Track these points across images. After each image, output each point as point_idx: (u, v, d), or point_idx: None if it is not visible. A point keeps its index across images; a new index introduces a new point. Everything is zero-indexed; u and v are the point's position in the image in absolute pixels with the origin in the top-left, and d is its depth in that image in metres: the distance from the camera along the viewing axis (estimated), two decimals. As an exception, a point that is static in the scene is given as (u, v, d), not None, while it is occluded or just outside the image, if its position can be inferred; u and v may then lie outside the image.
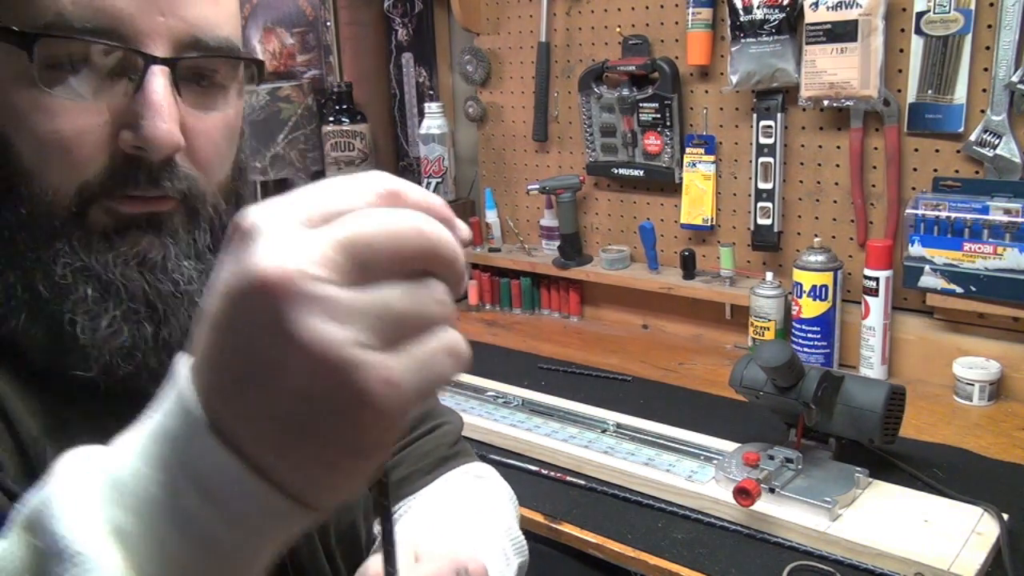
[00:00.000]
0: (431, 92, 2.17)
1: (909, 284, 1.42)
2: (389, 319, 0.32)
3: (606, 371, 1.58)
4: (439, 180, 2.03)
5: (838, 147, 1.53)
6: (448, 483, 0.82)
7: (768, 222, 1.61)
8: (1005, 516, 1.01)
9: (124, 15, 0.53)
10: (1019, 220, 1.29)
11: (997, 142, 1.34)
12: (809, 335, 1.50)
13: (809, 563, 0.98)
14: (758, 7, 1.49)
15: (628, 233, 1.84)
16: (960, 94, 1.36)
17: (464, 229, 0.36)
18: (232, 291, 0.32)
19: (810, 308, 1.49)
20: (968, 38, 1.33)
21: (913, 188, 1.45)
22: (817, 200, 1.57)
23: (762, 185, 1.60)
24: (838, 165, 1.53)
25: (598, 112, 1.78)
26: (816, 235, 1.55)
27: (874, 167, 1.49)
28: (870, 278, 1.45)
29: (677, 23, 1.66)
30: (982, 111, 1.35)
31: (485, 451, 1.26)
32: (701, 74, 1.66)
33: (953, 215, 1.35)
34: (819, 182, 1.56)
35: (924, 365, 1.47)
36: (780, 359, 1.07)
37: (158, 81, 0.54)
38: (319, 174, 2.27)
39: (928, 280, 1.40)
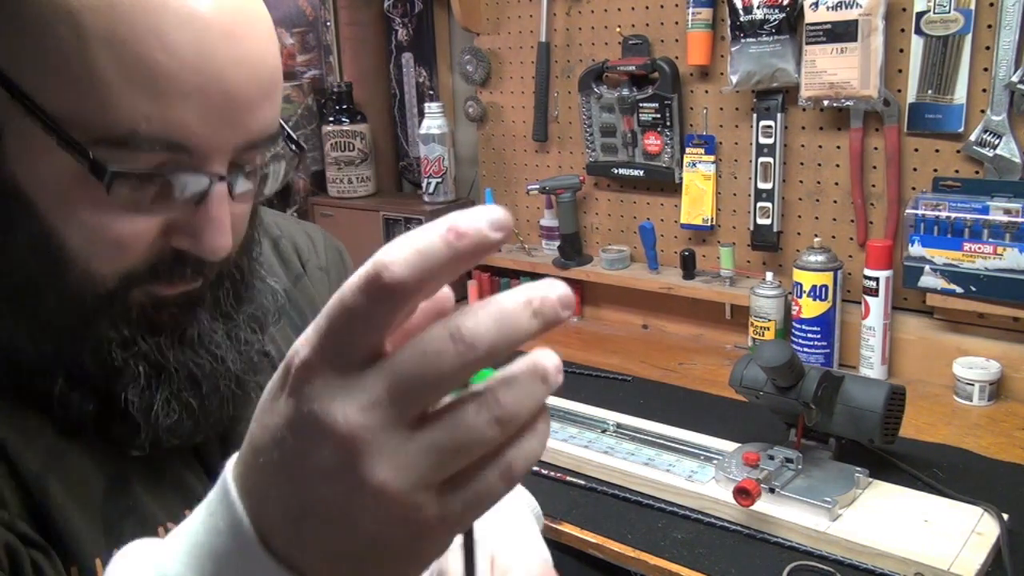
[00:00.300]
0: (431, 92, 2.17)
1: (909, 284, 1.42)
2: (449, 460, 0.32)
3: (606, 371, 1.58)
4: (439, 180, 2.03)
5: (838, 147, 1.53)
6: None
7: (768, 222, 1.61)
8: (1005, 516, 1.01)
9: (196, 134, 0.52)
10: (1019, 220, 1.29)
11: (997, 142, 1.34)
12: (809, 335, 1.50)
13: (809, 563, 0.98)
14: (758, 7, 1.49)
15: (628, 233, 1.84)
16: (960, 94, 1.36)
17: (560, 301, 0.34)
18: (302, 438, 0.33)
19: (810, 308, 1.49)
20: (968, 38, 1.33)
21: (913, 188, 1.45)
22: (817, 200, 1.57)
23: (762, 185, 1.60)
24: (838, 165, 1.53)
25: (598, 112, 1.78)
26: (816, 235, 1.55)
27: (874, 167, 1.49)
28: (870, 278, 1.45)
29: (677, 23, 1.66)
30: (982, 111, 1.35)
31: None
32: (701, 74, 1.66)
33: (953, 215, 1.35)
34: (819, 182, 1.56)
35: (924, 365, 1.47)
36: (780, 359, 1.07)
37: (219, 198, 0.55)
38: (319, 174, 2.28)
39: (928, 280, 1.40)
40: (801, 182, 1.58)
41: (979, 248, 1.34)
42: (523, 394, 0.33)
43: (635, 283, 1.77)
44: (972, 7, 1.32)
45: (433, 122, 2.01)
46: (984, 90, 1.34)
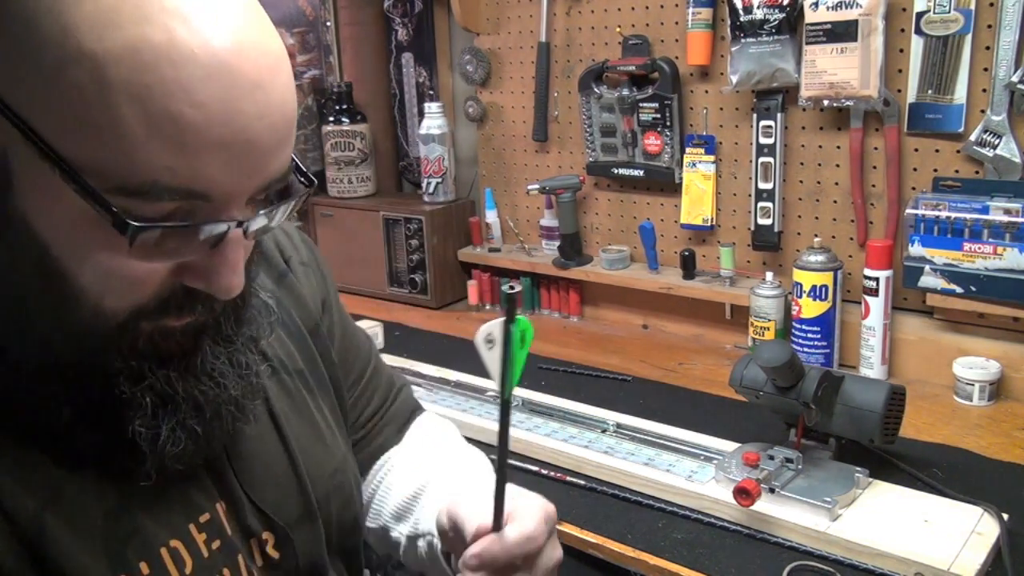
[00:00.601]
0: (431, 92, 2.17)
1: (909, 284, 1.42)
2: None
3: (606, 371, 1.58)
4: (439, 180, 2.03)
5: (838, 147, 1.53)
6: (437, 428, 0.99)
7: (768, 222, 1.61)
8: (1005, 516, 1.01)
9: (217, 183, 0.52)
10: (1019, 220, 1.29)
11: (997, 142, 1.34)
12: (809, 335, 1.50)
13: (809, 563, 0.98)
14: (758, 7, 1.49)
15: (628, 233, 1.84)
16: (960, 94, 1.36)
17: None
18: None
19: (810, 308, 1.49)
20: (968, 38, 1.33)
21: (913, 188, 1.45)
22: (817, 200, 1.57)
23: (762, 185, 1.60)
24: (838, 165, 1.53)
25: (598, 112, 1.78)
26: (816, 235, 1.55)
27: (874, 167, 1.49)
28: (870, 278, 1.45)
29: (677, 23, 1.66)
30: (982, 111, 1.35)
31: (485, 451, 1.26)
32: (701, 74, 1.66)
33: (953, 215, 1.35)
34: (819, 182, 1.56)
35: (924, 365, 1.47)
36: (780, 359, 1.07)
37: (236, 242, 0.55)
38: (319, 174, 2.28)
39: (928, 280, 1.40)
40: (801, 182, 1.58)
41: (979, 248, 1.34)
42: None
43: (635, 283, 1.77)
44: (972, 7, 1.32)
45: (433, 122, 2.01)
46: (984, 90, 1.34)
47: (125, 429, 0.57)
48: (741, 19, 1.51)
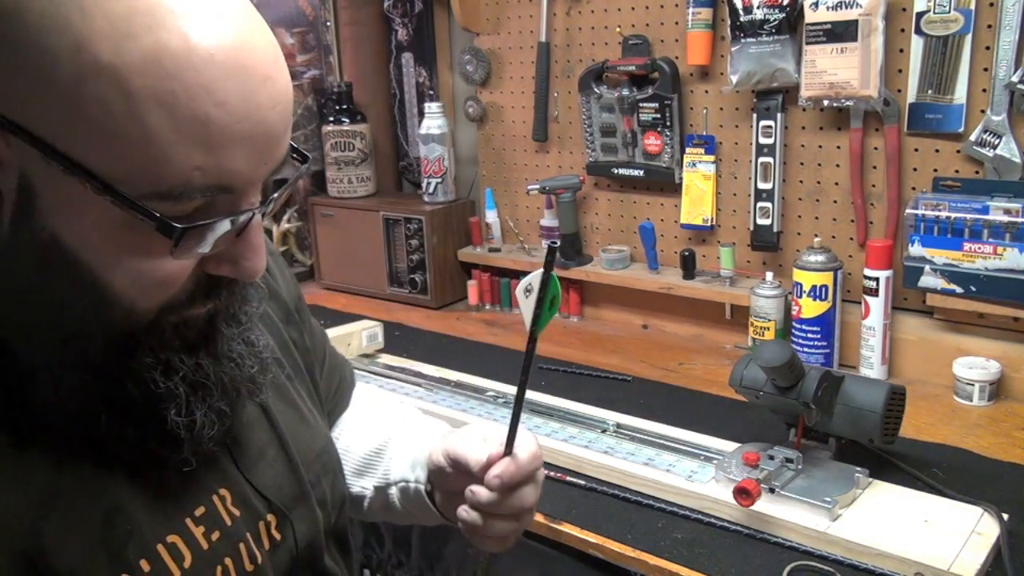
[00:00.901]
0: (431, 92, 2.17)
1: (909, 284, 1.42)
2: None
3: (606, 371, 1.58)
4: (439, 180, 2.03)
5: (838, 147, 1.53)
6: (372, 392, 1.07)
7: (768, 222, 1.61)
8: (1005, 516, 1.01)
9: (242, 175, 0.54)
10: (1019, 220, 1.29)
11: (997, 142, 1.34)
12: (809, 335, 1.50)
13: (809, 563, 0.98)
14: (758, 7, 1.49)
15: (628, 233, 1.84)
16: (960, 94, 1.36)
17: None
18: None
19: (810, 308, 1.49)
20: (968, 38, 1.33)
21: (913, 188, 1.45)
22: (817, 200, 1.57)
23: (762, 185, 1.60)
24: (838, 165, 1.53)
25: (598, 112, 1.78)
26: (816, 235, 1.55)
27: (874, 167, 1.49)
28: (870, 278, 1.45)
29: (677, 23, 1.66)
30: (982, 111, 1.35)
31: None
32: (701, 74, 1.66)
33: (953, 215, 1.35)
34: (819, 182, 1.56)
35: (924, 365, 1.47)
36: (780, 359, 1.07)
37: (257, 226, 0.58)
38: (319, 174, 2.27)
39: (928, 280, 1.40)
40: (801, 182, 1.58)
41: (979, 248, 1.34)
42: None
43: (635, 283, 1.77)
44: (972, 7, 1.32)
45: (433, 122, 2.01)
46: (984, 90, 1.34)
47: (161, 421, 0.59)
48: (741, 19, 1.51)
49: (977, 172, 1.38)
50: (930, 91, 1.39)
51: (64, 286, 0.54)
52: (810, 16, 1.44)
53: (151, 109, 0.49)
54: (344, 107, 2.15)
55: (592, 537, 1.07)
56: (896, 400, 1.13)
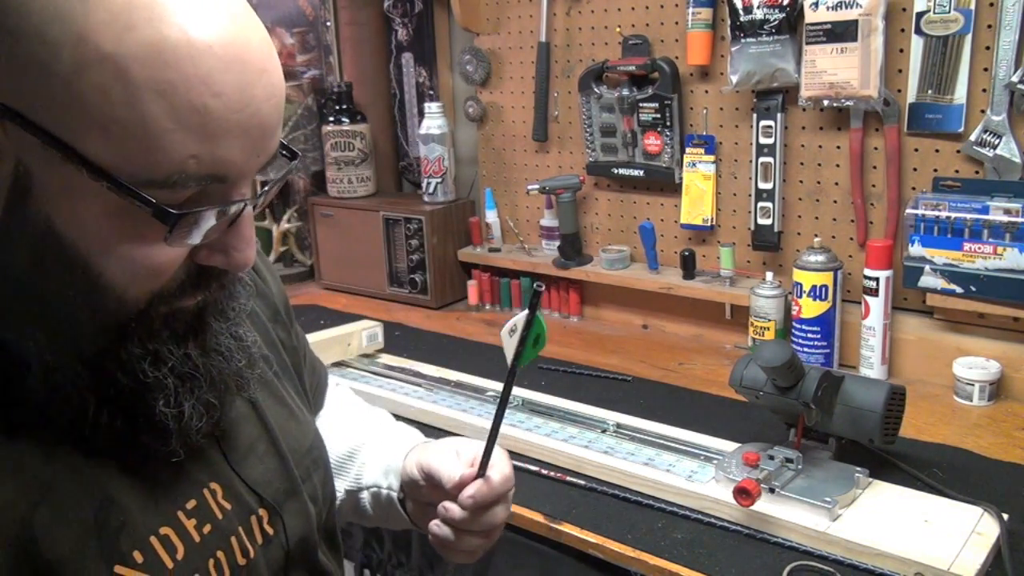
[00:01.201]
0: (431, 92, 2.17)
1: (909, 284, 1.42)
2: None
3: (606, 371, 1.58)
4: (439, 180, 2.03)
5: (838, 147, 1.53)
6: (345, 394, 1.09)
7: (768, 222, 1.61)
8: (1005, 516, 1.01)
9: (236, 165, 0.55)
10: (1019, 220, 1.29)
11: (997, 142, 1.34)
12: (809, 335, 1.50)
13: (809, 563, 0.98)
14: (758, 7, 1.49)
15: (628, 233, 1.84)
16: (960, 94, 1.36)
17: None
18: None
19: (810, 308, 1.49)
20: (968, 38, 1.33)
21: (913, 188, 1.45)
22: (817, 200, 1.57)
23: (762, 185, 1.60)
24: (838, 165, 1.53)
25: (598, 112, 1.78)
26: (816, 235, 1.55)
27: (874, 167, 1.49)
28: (870, 278, 1.45)
29: (677, 23, 1.66)
30: (982, 111, 1.35)
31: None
32: (701, 74, 1.66)
33: (953, 215, 1.35)
34: (819, 182, 1.56)
35: (924, 365, 1.47)
36: (780, 359, 1.07)
37: (248, 218, 0.59)
38: (319, 174, 2.28)
39: (928, 280, 1.40)
40: (801, 182, 1.58)
41: (979, 248, 1.34)
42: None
43: (635, 283, 1.77)
44: (972, 7, 1.32)
45: (433, 122, 2.01)
46: (984, 90, 1.34)
47: (149, 412, 0.60)
48: (741, 19, 1.51)
49: (977, 172, 1.38)
50: (930, 91, 1.39)
51: (57, 274, 0.55)
52: (810, 16, 1.44)
53: (150, 98, 0.50)
54: (344, 107, 2.15)
55: (592, 537, 1.07)
56: (896, 400, 1.13)
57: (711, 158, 1.67)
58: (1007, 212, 1.30)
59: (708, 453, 1.19)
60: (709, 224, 1.70)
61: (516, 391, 1.43)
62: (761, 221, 1.62)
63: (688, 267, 1.69)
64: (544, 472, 1.22)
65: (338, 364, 1.61)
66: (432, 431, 1.37)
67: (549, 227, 1.93)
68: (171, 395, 0.60)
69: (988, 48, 1.32)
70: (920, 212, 1.39)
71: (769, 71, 1.51)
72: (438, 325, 1.92)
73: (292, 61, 2.39)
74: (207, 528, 0.65)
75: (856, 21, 1.39)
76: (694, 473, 1.15)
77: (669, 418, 1.32)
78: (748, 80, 1.53)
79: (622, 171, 1.79)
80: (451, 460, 0.82)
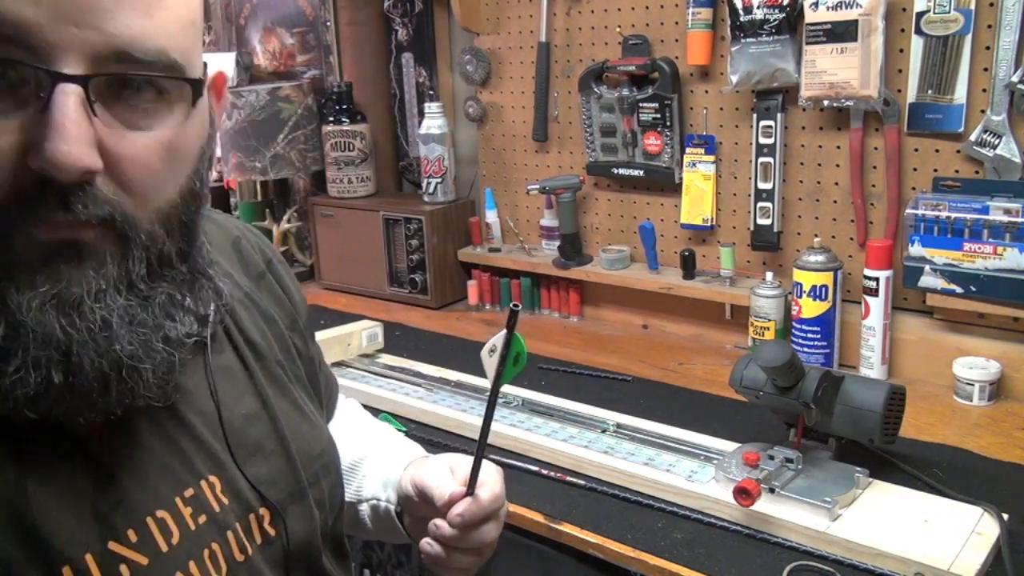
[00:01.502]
0: (431, 92, 2.17)
1: (909, 284, 1.42)
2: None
3: (606, 371, 1.58)
4: (439, 180, 2.03)
5: (838, 147, 1.53)
6: (353, 407, 1.07)
7: (768, 222, 1.61)
8: (1005, 516, 1.01)
9: (30, 25, 0.48)
10: (1019, 220, 1.29)
11: (997, 142, 1.34)
12: (809, 335, 1.50)
13: (809, 563, 0.98)
14: (758, 7, 1.49)
15: (628, 233, 1.84)
16: (960, 94, 1.36)
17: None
18: None
19: (810, 308, 1.49)
20: (968, 38, 1.33)
21: (913, 188, 1.45)
22: (817, 200, 1.57)
23: (762, 185, 1.60)
24: (838, 165, 1.53)
25: (598, 112, 1.78)
26: (816, 235, 1.55)
27: (874, 167, 1.49)
28: (870, 278, 1.45)
29: (677, 23, 1.66)
30: (982, 111, 1.35)
31: (485, 450, 1.26)
32: (701, 74, 1.66)
33: (953, 215, 1.35)
34: (819, 182, 1.56)
35: (924, 365, 1.47)
36: (780, 359, 1.07)
37: (64, 100, 0.50)
38: (319, 174, 2.28)
39: (928, 280, 1.40)
40: (801, 182, 1.58)
41: (979, 248, 1.34)
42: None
43: (635, 283, 1.77)
44: (972, 7, 1.32)
45: (433, 122, 2.01)
46: (984, 90, 1.34)
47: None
48: (741, 19, 1.51)
49: (977, 172, 1.38)
50: (930, 91, 1.39)
51: None
52: (810, 16, 1.44)
53: None
54: (344, 107, 2.15)
55: (592, 537, 1.07)
56: (896, 400, 1.13)
57: (711, 158, 1.67)
58: (1007, 212, 1.30)
59: (708, 453, 1.19)
60: (709, 224, 1.70)
61: (516, 391, 1.43)
62: (761, 221, 1.62)
63: (688, 267, 1.69)
64: (544, 472, 1.22)
65: (338, 364, 1.61)
66: (432, 431, 1.37)
67: (549, 227, 1.93)
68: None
69: (988, 48, 1.32)
70: (920, 212, 1.39)
71: (769, 71, 1.51)
72: (438, 325, 1.92)
73: (292, 61, 2.39)
74: (202, 518, 0.65)
75: (856, 21, 1.39)
76: (694, 473, 1.15)
77: (669, 418, 1.32)
78: (748, 80, 1.53)
79: (622, 171, 1.79)
80: (443, 477, 0.81)
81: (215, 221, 0.82)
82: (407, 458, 0.91)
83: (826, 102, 1.47)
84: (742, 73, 1.53)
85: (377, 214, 2.07)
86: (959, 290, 1.37)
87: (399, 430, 1.36)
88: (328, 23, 2.29)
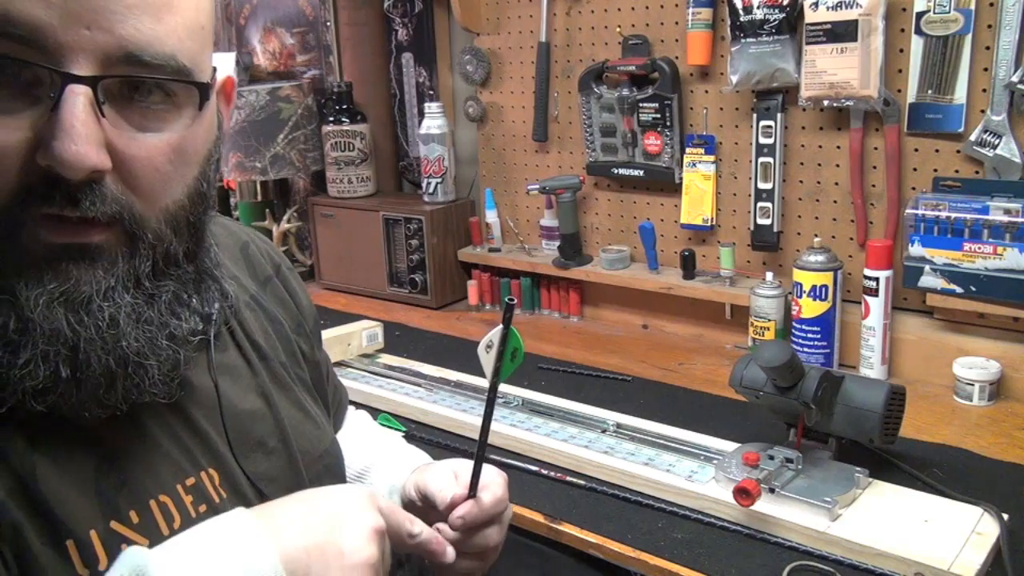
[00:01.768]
0: (431, 92, 2.17)
1: (909, 284, 1.42)
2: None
3: (606, 371, 1.58)
4: (439, 180, 2.03)
5: (838, 147, 1.53)
6: (362, 416, 1.08)
7: (768, 222, 1.61)
8: (1005, 516, 1.01)
9: (43, 26, 0.49)
10: (1019, 220, 1.29)
11: (997, 142, 1.34)
12: (809, 335, 1.50)
13: (809, 563, 0.98)
14: (758, 7, 1.49)
15: (628, 233, 1.84)
16: (960, 94, 1.36)
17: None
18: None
19: (810, 308, 1.49)
20: (968, 38, 1.33)
21: (913, 188, 1.45)
22: (817, 200, 1.57)
23: (762, 185, 1.60)
24: (838, 165, 1.53)
25: (598, 112, 1.78)
26: (816, 235, 1.55)
27: (874, 167, 1.49)
28: (870, 278, 1.45)
29: (677, 23, 1.66)
30: (982, 111, 1.35)
31: (487, 452, 1.26)
32: (701, 74, 1.66)
33: (953, 215, 1.35)
34: (819, 182, 1.56)
35: (924, 365, 1.47)
36: (780, 359, 1.07)
37: (73, 100, 0.51)
38: (319, 174, 2.28)
39: (928, 280, 1.40)
40: (801, 182, 1.58)
41: (979, 248, 1.34)
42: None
43: (635, 283, 1.77)
44: (972, 7, 1.32)
45: (433, 122, 2.01)
46: (984, 90, 1.34)
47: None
48: (741, 19, 1.51)
49: (977, 172, 1.38)
50: (930, 91, 1.39)
51: None
52: (810, 16, 1.44)
53: None
54: (344, 107, 2.15)
55: (592, 537, 1.07)
56: (896, 400, 1.13)
57: (711, 158, 1.67)
58: (1007, 212, 1.30)
59: (708, 453, 1.19)
60: (709, 224, 1.70)
61: (516, 391, 1.43)
62: (761, 221, 1.62)
63: (688, 267, 1.69)
64: (544, 472, 1.22)
65: (338, 364, 1.61)
66: (432, 431, 1.37)
67: (549, 227, 1.93)
68: (7, 334, 0.52)
69: (988, 48, 1.32)
70: (920, 212, 1.39)
71: (769, 71, 1.51)
72: (438, 325, 1.92)
73: (292, 61, 2.39)
74: (203, 507, 0.65)
75: (856, 21, 1.39)
76: (694, 473, 1.15)
77: (669, 418, 1.32)
78: (748, 80, 1.53)
79: (622, 171, 1.79)
80: (446, 481, 0.81)
81: (225, 226, 0.83)
82: (412, 464, 0.91)
83: (826, 102, 1.47)
84: (742, 73, 1.53)
85: (377, 214, 2.07)
86: (959, 290, 1.37)
87: (399, 430, 1.36)
88: (328, 23, 2.29)
